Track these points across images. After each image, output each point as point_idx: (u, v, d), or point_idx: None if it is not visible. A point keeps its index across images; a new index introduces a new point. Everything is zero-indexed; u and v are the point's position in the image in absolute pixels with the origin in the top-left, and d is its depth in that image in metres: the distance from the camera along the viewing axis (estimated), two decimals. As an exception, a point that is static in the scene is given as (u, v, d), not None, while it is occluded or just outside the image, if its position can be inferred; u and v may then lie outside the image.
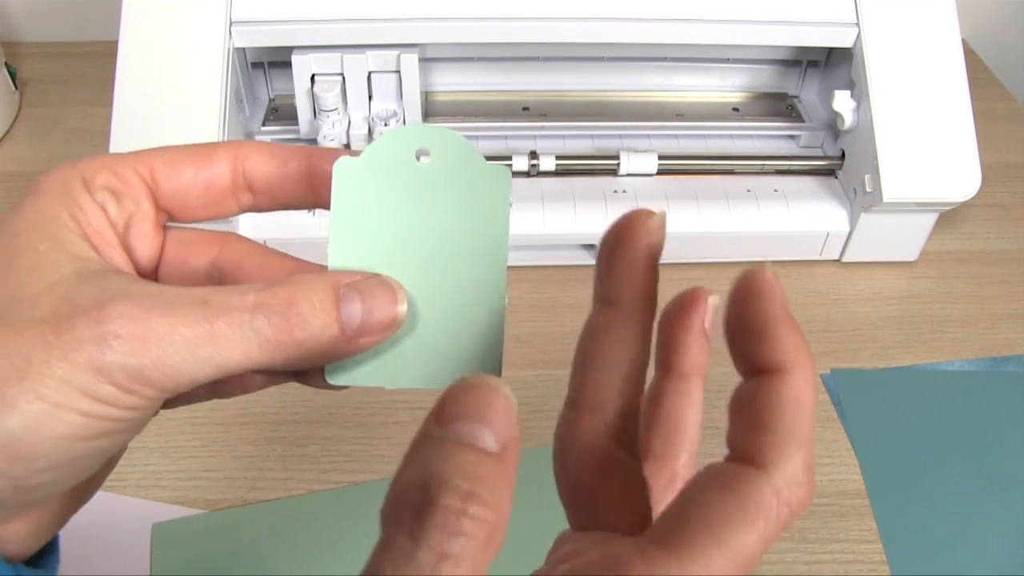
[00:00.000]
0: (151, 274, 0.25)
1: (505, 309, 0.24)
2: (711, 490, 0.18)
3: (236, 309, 0.20)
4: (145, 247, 0.24)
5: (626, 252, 0.22)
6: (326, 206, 0.24)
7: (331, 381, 0.24)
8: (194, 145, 0.24)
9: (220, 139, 0.55)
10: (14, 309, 0.20)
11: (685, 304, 0.23)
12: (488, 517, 0.17)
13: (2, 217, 0.22)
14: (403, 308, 0.22)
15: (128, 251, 0.24)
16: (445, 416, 0.18)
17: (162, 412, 0.52)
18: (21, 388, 0.19)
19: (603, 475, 0.21)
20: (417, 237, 0.24)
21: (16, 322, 0.20)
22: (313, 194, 0.24)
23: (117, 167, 0.23)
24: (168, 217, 0.25)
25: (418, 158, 0.24)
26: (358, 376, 0.24)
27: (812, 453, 0.18)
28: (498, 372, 0.24)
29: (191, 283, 0.25)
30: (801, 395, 0.18)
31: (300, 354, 0.21)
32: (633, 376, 0.21)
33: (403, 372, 0.24)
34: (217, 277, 0.25)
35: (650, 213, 0.22)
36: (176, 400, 0.28)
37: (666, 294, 0.67)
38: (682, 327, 0.23)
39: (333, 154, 0.24)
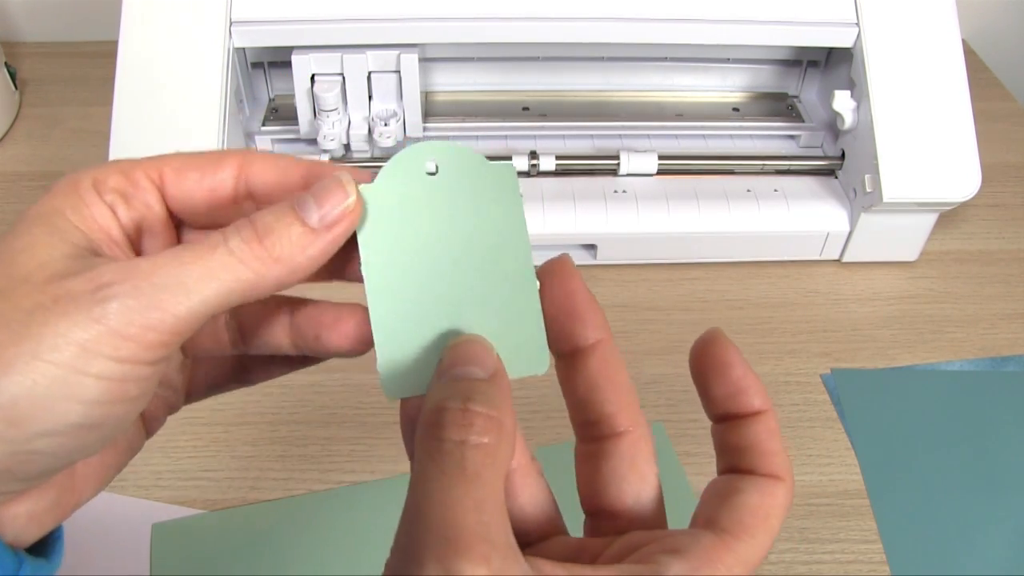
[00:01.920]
0: None
1: (538, 290, 0.25)
2: (753, 494, 0.23)
3: (210, 237, 0.22)
4: (157, 250, 0.24)
5: (579, 294, 0.26)
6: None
7: (390, 396, 0.25)
8: (204, 152, 0.25)
9: (220, 139, 0.55)
10: (7, 284, 0.21)
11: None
12: (490, 413, 0.21)
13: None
14: (353, 196, 0.23)
15: (137, 253, 0.24)
16: (442, 369, 0.23)
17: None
18: (19, 350, 0.19)
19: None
20: (443, 247, 0.25)
21: (10, 292, 0.20)
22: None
23: (129, 171, 0.24)
24: (179, 223, 0.26)
25: (428, 173, 0.25)
26: (414, 386, 0.25)
27: None
28: (543, 353, 0.25)
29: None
30: (778, 424, 0.24)
31: (282, 266, 0.22)
32: None
33: None
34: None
35: (568, 257, 0.26)
36: (195, 393, 0.28)
37: (667, 294, 0.67)
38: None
39: (333, 169, 0.24)
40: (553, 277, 0.25)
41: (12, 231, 0.22)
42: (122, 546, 0.45)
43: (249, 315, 0.27)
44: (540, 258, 0.26)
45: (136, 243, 0.24)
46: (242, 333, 0.27)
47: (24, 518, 0.23)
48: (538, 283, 0.25)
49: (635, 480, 0.25)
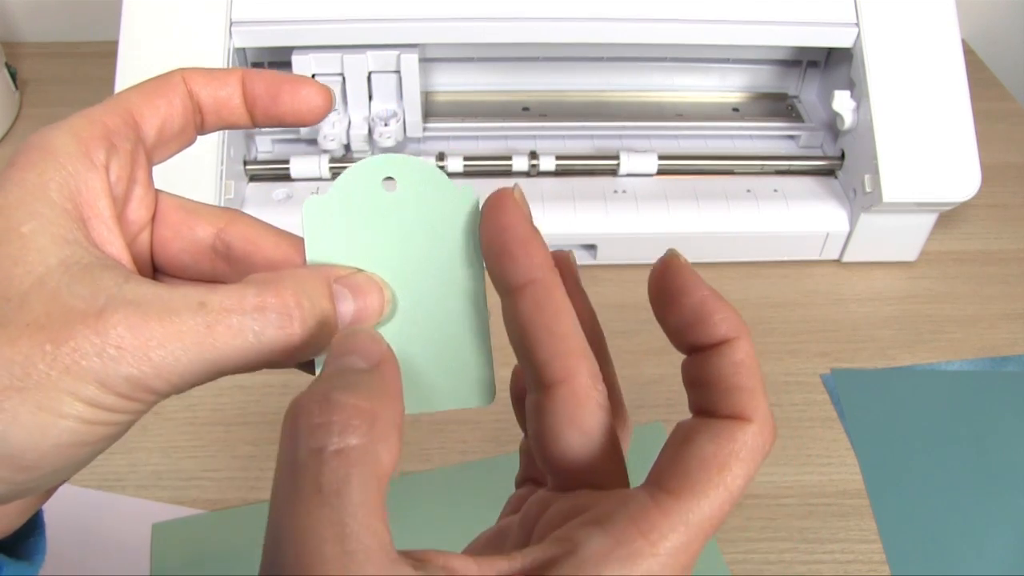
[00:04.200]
0: (147, 238, 0.25)
1: (488, 321, 0.24)
2: (705, 442, 0.20)
3: (235, 312, 0.20)
4: (145, 201, 0.24)
5: (513, 230, 0.23)
6: (264, 124, 0.25)
7: None
8: (149, 81, 0.24)
9: (220, 139, 0.55)
10: (4, 311, 0.19)
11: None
12: (358, 403, 0.19)
13: None
14: (388, 301, 0.23)
15: (124, 216, 0.23)
16: (323, 364, 0.21)
17: (163, 412, 0.52)
18: (23, 399, 0.19)
19: (601, 443, 0.22)
20: (393, 267, 0.24)
21: (8, 327, 0.19)
22: (251, 114, 0.25)
23: (105, 118, 0.22)
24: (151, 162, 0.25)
25: (385, 187, 0.24)
26: None
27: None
28: (487, 386, 0.24)
29: (194, 252, 0.25)
30: (752, 355, 0.21)
31: (297, 351, 0.21)
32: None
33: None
34: (223, 251, 0.25)
35: (509, 190, 0.23)
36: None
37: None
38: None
39: (262, 74, 0.24)
40: (489, 211, 0.23)
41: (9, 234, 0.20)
42: (122, 546, 0.45)
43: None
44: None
45: (122, 209, 0.23)
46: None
47: (14, 514, 0.23)
48: (489, 314, 0.24)
49: (575, 435, 0.22)
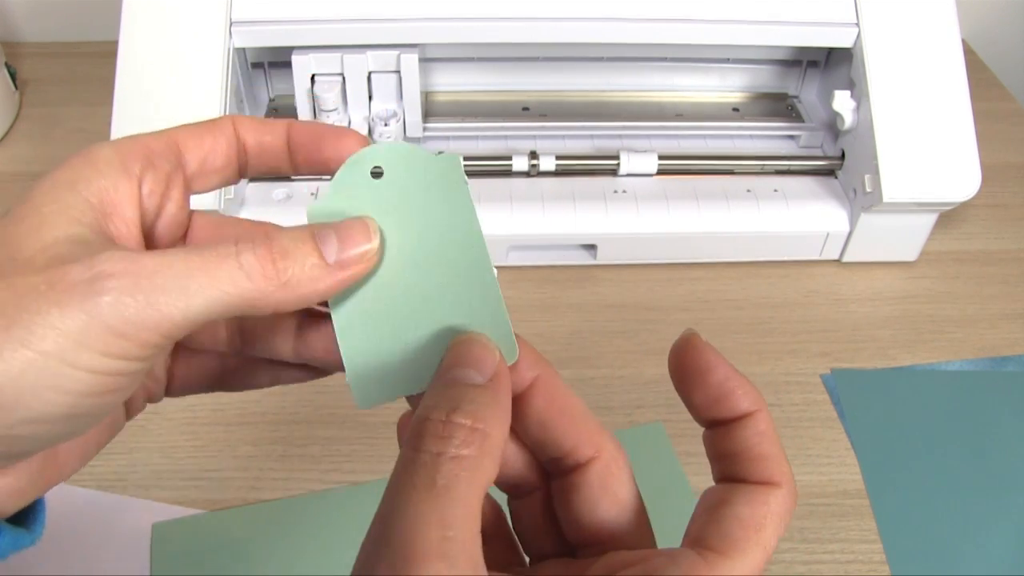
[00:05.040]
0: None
1: (497, 283, 0.25)
2: (741, 505, 0.22)
3: (222, 245, 0.21)
4: (178, 219, 0.25)
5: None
6: (305, 171, 0.26)
7: (362, 406, 0.25)
8: (200, 121, 0.26)
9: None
10: (8, 268, 0.20)
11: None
12: (475, 425, 0.21)
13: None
14: (376, 242, 0.23)
15: (154, 230, 0.24)
16: (440, 370, 0.23)
17: (163, 412, 0.52)
18: (8, 336, 0.19)
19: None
20: (398, 248, 0.25)
21: (8, 275, 0.20)
22: (292, 160, 0.26)
23: (149, 140, 0.24)
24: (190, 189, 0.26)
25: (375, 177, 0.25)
26: (384, 392, 0.25)
27: None
28: (511, 341, 0.25)
29: None
30: (772, 424, 0.23)
31: (287, 289, 0.22)
32: None
33: (425, 373, 0.24)
34: None
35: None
36: (181, 386, 0.28)
37: (667, 294, 0.67)
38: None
39: (306, 124, 0.25)
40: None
41: (23, 206, 0.21)
42: (122, 546, 0.45)
43: (253, 320, 0.27)
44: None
45: (151, 223, 0.24)
46: (243, 335, 0.27)
47: (4, 492, 0.22)
48: (495, 271, 0.25)
49: (609, 504, 0.24)
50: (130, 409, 0.27)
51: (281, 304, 0.22)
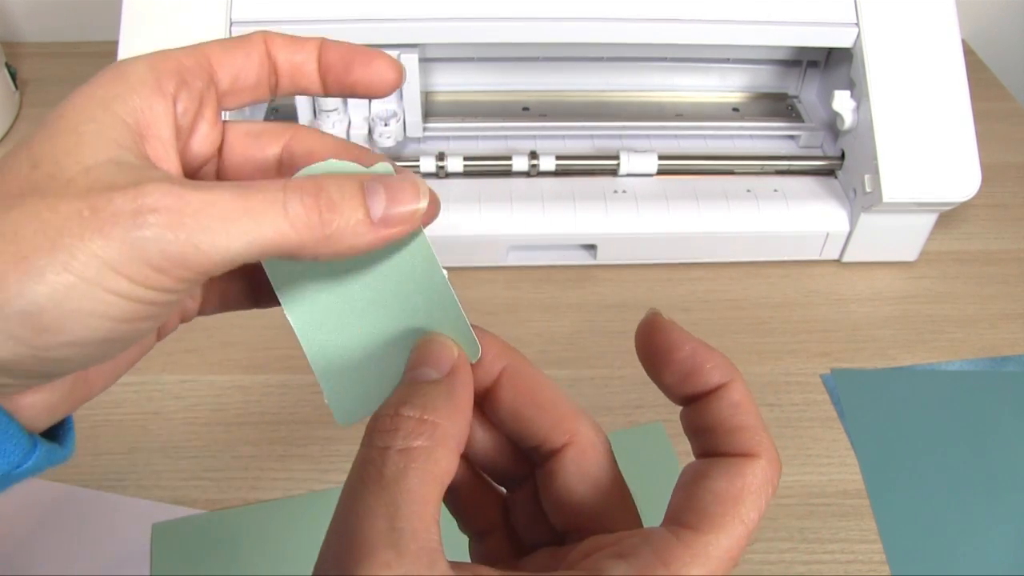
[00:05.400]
0: (211, 171, 0.26)
1: (447, 280, 0.25)
2: (717, 478, 0.21)
3: (270, 189, 0.21)
4: (210, 137, 0.25)
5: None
6: (335, 93, 0.26)
7: (343, 423, 0.25)
8: (231, 38, 0.25)
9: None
10: (50, 187, 0.20)
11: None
12: (423, 416, 0.21)
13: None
14: (425, 202, 0.23)
15: (188, 147, 0.24)
16: (403, 374, 0.23)
17: (163, 412, 0.52)
18: (51, 259, 0.19)
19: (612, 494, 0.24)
20: (351, 270, 0.25)
21: (51, 197, 0.20)
22: (323, 81, 0.26)
23: (182, 57, 0.24)
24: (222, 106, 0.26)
25: None
26: (361, 407, 0.25)
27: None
28: (472, 340, 0.25)
29: (264, 172, 0.26)
30: (748, 394, 0.22)
31: (329, 241, 0.21)
32: None
33: (396, 383, 0.25)
34: (288, 164, 0.26)
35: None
36: (214, 305, 0.28)
37: (667, 294, 0.67)
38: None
39: (338, 44, 0.25)
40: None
41: (58, 122, 0.21)
42: (122, 546, 0.45)
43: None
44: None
45: (185, 141, 0.24)
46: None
47: (39, 407, 0.23)
48: (446, 273, 0.25)
49: (587, 488, 0.24)
50: (162, 332, 0.27)
51: (320, 254, 0.22)
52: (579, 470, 0.24)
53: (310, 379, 0.53)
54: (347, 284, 0.25)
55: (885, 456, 0.50)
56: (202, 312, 0.28)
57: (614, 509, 0.24)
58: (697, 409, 0.23)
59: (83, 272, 0.19)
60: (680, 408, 0.24)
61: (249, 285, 0.28)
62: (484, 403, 0.25)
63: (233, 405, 0.51)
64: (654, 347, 0.23)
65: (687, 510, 0.21)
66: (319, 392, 0.27)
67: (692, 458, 0.23)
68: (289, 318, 0.25)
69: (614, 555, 0.21)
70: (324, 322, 0.25)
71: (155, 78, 0.22)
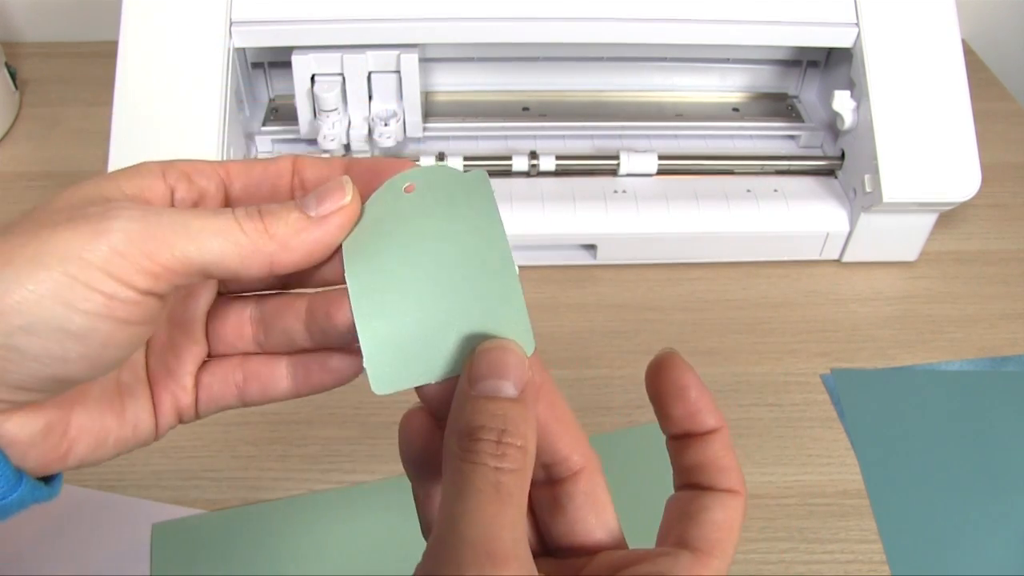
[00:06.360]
0: None
1: (519, 279, 0.26)
2: (716, 511, 0.25)
3: (224, 211, 0.24)
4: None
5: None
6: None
7: (378, 391, 0.25)
8: (257, 159, 0.28)
9: (220, 139, 0.55)
10: (40, 213, 0.23)
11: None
12: (520, 443, 0.23)
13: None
14: (349, 196, 0.26)
15: None
16: (473, 378, 0.23)
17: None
18: (23, 251, 0.22)
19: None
20: (424, 249, 0.26)
21: (38, 215, 0.23)
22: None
23: (195, 163, 0.27)
24: None
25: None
26: (401, 378, 0.25)
27: None
28: (529, 334, 0.25)
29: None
30: (730, 441, 0.26)
31: (276, 243, 0.24)
32: None
33: (441, 363, 0.25)
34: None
35: None
36: (207, 398, 0.29)
37: (667, 294, 0.67)
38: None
39: (371, 162, 0.27)
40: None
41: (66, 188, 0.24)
42: (122, 546, 0.45)
43: (270, 307, 0.28)
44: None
45: None
46: (264, 323, 0.28)
47: (18, 433, 0.24)
48: (517, 270, 0.26)
49: (599, 512, 0.26)
50: (159, 424, 0.29)
51: (273, 257, 0.24)
52: (592, 495, 0.26)
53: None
54: (414, 257, 0.26)
55: (885, 456, 0.50)
56: (198, 407, 0.29)
57: (614, 533, 0.26)
58: (690, 445, 0.26)
59: (49, 260, 0.22)
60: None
61: (242, 376, 0.29)
62: None
63: (233, 405, 0.51)
64: (669, 384, 0.26)
65: (696, 537, 0.24)
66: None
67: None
68: (346, 275, 0.26)
69: (650, 573, 0.23)
70: (379, 285, 0.25)
71: (160, 168, 0.26)
